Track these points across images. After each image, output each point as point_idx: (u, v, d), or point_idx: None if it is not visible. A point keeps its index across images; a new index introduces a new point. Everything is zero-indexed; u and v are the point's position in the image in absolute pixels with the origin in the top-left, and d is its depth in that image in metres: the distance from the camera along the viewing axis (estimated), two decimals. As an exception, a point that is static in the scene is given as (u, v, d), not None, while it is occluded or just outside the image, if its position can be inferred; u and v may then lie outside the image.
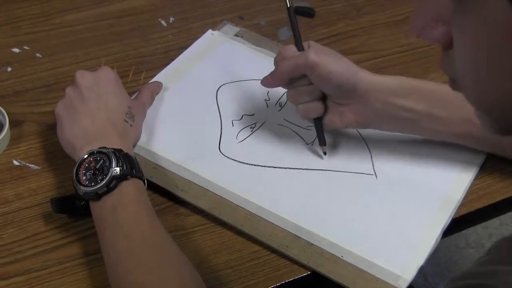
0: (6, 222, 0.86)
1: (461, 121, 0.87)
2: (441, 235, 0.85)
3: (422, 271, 0.81)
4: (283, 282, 0.81)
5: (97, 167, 0.81)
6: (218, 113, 0.99)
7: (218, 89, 1.02)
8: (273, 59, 1.01)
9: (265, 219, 0.85)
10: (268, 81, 0.92)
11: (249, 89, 1.02)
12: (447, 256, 1.89)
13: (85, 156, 0.82)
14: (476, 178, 0.92)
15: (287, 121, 0.98)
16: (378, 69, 0.87)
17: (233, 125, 0.97)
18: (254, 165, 0.92)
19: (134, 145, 0.92)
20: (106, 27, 1.15)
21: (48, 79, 1.05)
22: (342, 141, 0.95)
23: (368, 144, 0.95)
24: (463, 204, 0.89)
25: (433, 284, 1.81)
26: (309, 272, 0.82)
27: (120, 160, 0.81)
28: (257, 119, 0.98)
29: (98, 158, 0.81)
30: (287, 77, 0.89)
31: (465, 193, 0.90)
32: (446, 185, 0.90)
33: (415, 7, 0.56)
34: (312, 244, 0.83)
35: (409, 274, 0.80)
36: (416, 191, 0.89)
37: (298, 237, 0.84)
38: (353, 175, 0.91)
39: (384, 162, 0.93)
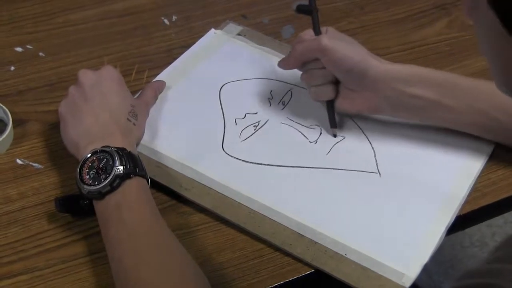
0: (9, 221, 0.86)
1: (470, 110, 0.88)
2: (445, 233, 0.84)
3: (426, 269, 0.81)
4: (287, 280, 0.81)
5: (100, 166, 0.81)
6: (221, 111, 0.99)
7: (221, 87, 1.02)
8: (275, 57, 1.01)
9: (268, 217, 0.85)
10: (284, 63, 0.96)
11: (252, 87, 1.02)
12: (452, 255, 1.88)
13: (89, 155, 0.82)
14: (480, 175, 0.92)
15: (290, 119, 0.98)
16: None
17: (236, 124, 0.97)
18: (257, 163, 0.92)
19: (137, 144, 0.92)
20: (108, 26, 1.15)
21: (51, 78, 1.05)
22: (346, 139, 0.95)
23: (371, 142, 0.95)
24: (467, 201, 0.89)
25: (438, 282, 1.80)
26: (312, 270, 0.82)
27: (123, 159, 0.81)
28: (260, 118, 0.98)
29: (102, 157, 0.81)
30: (301, 59, 0.93)
31: (469, 190, 0.89)
32: (450, 183, 0.90)
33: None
34: (315, 242, 0.83)
35: (413, 271, 0.80)
36: (419, 188, 0.89)
37: (302, 235, 0.84)
38: (357, 173, 0.91)
39: (387, 160, 0.93)
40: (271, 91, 1.01)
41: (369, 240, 0.83)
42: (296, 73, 0.96)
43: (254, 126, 0.97)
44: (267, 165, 0.92)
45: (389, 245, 0.83)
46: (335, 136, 0.95)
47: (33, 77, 1.05)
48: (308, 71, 0.93)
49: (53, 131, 0.96)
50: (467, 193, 0.89)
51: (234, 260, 0.83)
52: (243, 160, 0.92)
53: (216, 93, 1.01)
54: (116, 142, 0.84)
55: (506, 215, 0.95)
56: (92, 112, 0.87)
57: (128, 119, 0.88)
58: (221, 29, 1.12)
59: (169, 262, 0.76)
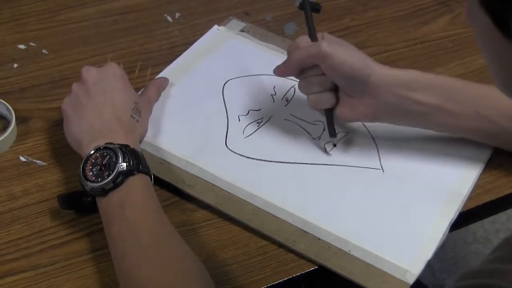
0: (13, 218, 0.86)
1: (473, 116, 0.87)
2: (448, 229, 0.84)
3: (429, 266, 0.81)
4: (291, 277, 0.81)
5: (103, 163, 0.81)
6: (225, 108, 0.98)
7: (224, 84, 1.02)
8: (279, 54, 1.01)
9: (272, 214, 0.85)
10: (280, 70, 0.92)
11: (255, 84, 1.02)
12: (455, 252, 1.88)
13: (92, 152, 0.82)
14: (484, 172, 0.92)
15: (293, 116, 0.98)
16: (384, 64, 0.87)
17: (239, 120, 0.97)
18: (261, 160, 0.92)
19: (140, 141, 0.92)
20: (111, 23, 1.15)
21: (54, 76, 1.05)
22: (349, 136, 0.95)
23: (375, 139, 0.95)
24: (470, 198, 0.89)
25: (441, 280, 1.80)
26: (316, 267, 0.82)
27: (126, 155, 0.81)
28: (264, 114, 0.98)
29: (105, 154, 0.81)
30: (298, 66, 0.89)
31: (472, 187, 0.89)
32: (453, 179, 0.90)
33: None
34: (319, 239, 0.83)
35: (417, 268, 0.80)
36: (423, 185, 0.89)
37: (305, 231, 0.84)
38: (360, 169, 0.91)
39: (390, 157, 0.93)
40: (274, 88, 1.01)
41: (373, 237, 0.83)
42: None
43: (257, 123, 0.97)
44: (271, 161, 0.92)
45: (392, 241, 0.83)
46: (335, 145, 0.93)
47: (36, 75, 1.05)
48: (305, 79, 0.90)
49: (56, 128, 0.96)
50: (471, 189, 0.89)
51: (238, 257, 0.83)
52: (246, 157, 0.92)
53: (219, 90, 1.01)
54: (119, 139, 0.84)
55: (509, 211, 0.96)
56: (96, 109, 0.87)
57: (131, 116, 0.88)
58: (224, 25, 1.12)
59: (172, 260, 0.76)
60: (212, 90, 1.01)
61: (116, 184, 0.79)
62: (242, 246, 0.84)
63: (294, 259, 0.83)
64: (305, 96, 0.93)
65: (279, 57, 0.97)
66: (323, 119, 0.94)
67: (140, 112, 0.90)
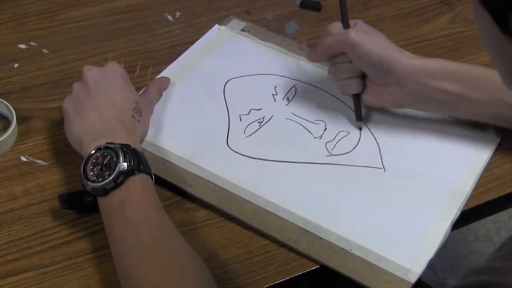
0: (14, 218, 0.86)
1: (495, 103, 0.88)
2: (450, 228, 0.84)
3: (431, 265, 0.81)
4: (292, 276, 0.81)
5: (104, 163, 0.81)
6: (226, 108, 0.98)
7: (226, 84, 1.02)
8: (279, 53, 1.01)
9: (273, 214, 0.85)
10: (311, 56, 0.96)
11: (256, 83, 1.02)
12: (456, 251, 1.88)
13: (93, 152, 0.82)
14: (485, 170, 0.92)
15: (295, 115, 0.97)
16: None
17: (240, 120, 0.97)
18: (262, 159, 0.92)
19: (141, 141, 0.91)
20: (112, 23, 1.15)
21: (55, 75, 1.05)
22: (350, 135, 0.95)
23: (376, 138, 0.95)
24: (472, 196, 0.88)
25: (442, 279, 1.80)
26: (318, 266, 0.82)
27: (127, 155, 0.81)
28: (265, 114, 0.98)
29: (106, 154, 0.81)
30: (328, 53, 0.93)
31: (474, 185, 0.89)
32: (455, 178, 0.90)
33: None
34: (321, 238, 0.83)
35: (419, 267, 0.80)
36: (424, 184, 0.89)
37: (307, 231, 0.83)
38: (362, 168, 0.91)
39: (392, 156, 0.92)
40: (275, 87, 1.01)
41: (374, 236, 0.83)
42: (300, 68, 0.96)
43: (258, 122, 0.96)
44: (272, 161, 0.91)
45: (394, 240, 0.83)
46: (360, 129, 0.96)
47: (37, 74, 1.05)
48: (335, 65, 0.94)
49: (57, 128, 0.96)
50: (472, 188, 0.89)
51: (239, 257, 0.83)
52: (248, 156, 0.92)
53: (220, 89, 1.01)
54: (120, 138, 0.84)
55: (511, 210, 0.95)
56: (96, 109, 0.87)
57: (132, 115, 0.88)
58: (225, 25, 1.12)
59: (174, 260, 0.76)
60: (213, 89, 1.01)
61: (117, 184, 0.79)
62: (243, 245, 0.84)
63: (295, 259, 0.83)
64: (306, 96, 0.92)
65: (280, 57, 0.97)
66: (324, 118, 0.94)
67: (141, 112, 0.90)
